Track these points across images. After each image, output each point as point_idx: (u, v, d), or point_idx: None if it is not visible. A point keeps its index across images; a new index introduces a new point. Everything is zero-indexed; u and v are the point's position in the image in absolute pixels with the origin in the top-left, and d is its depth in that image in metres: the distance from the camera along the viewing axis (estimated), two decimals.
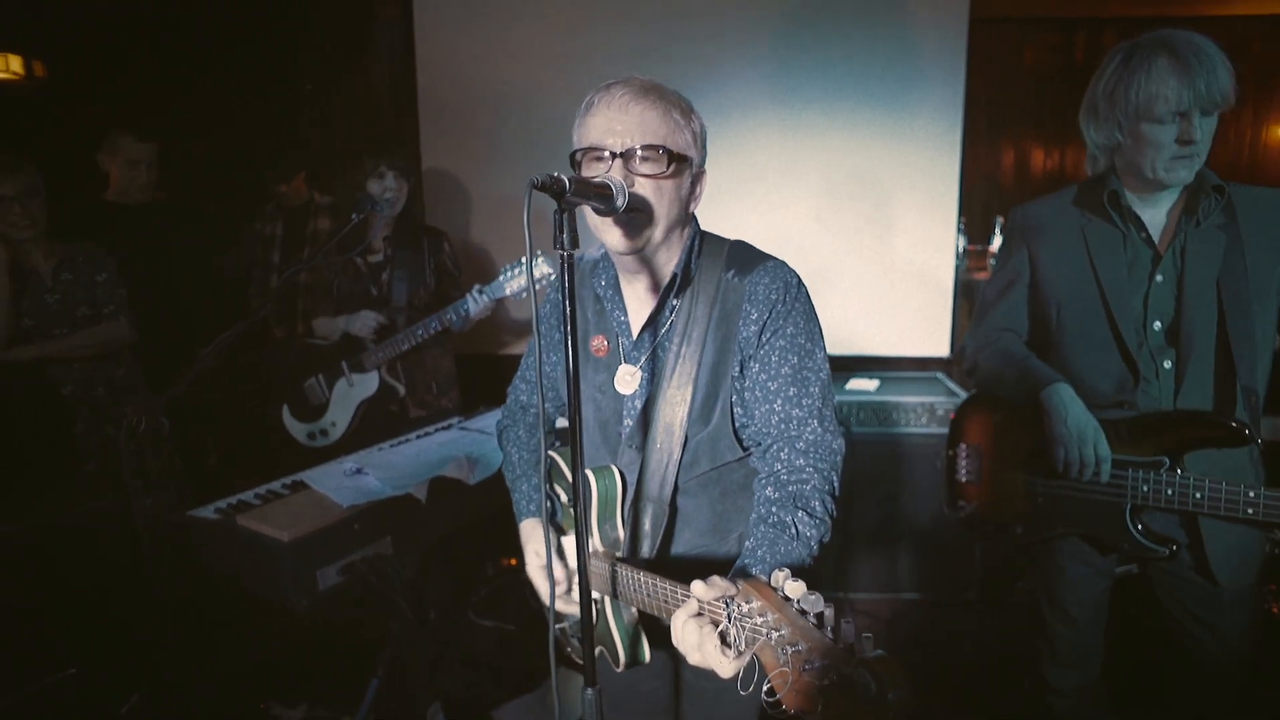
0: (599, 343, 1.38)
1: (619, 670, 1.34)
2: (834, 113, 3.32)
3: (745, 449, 1.32)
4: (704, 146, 1.26)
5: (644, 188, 1.18)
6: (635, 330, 1.34)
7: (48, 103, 3.55)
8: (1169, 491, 1.57)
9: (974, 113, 3.49)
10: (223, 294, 3.32)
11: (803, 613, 0.81)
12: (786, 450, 1.24)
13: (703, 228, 1.36)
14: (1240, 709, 1.68)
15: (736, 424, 1.30)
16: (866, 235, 3.41)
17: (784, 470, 1.23)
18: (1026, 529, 1.81)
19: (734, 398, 1.28)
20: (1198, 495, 1.53)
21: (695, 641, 0.98)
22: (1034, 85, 4.10)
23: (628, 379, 1.34)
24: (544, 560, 1.34)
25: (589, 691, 1.13)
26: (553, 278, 2.47)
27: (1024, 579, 3.13)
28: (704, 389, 1.28)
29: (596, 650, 1.40)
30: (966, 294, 3.69)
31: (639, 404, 1.33)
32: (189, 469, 2.99)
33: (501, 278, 2.53)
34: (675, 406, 1.28)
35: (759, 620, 0.82)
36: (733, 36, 3.28)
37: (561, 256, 0.99)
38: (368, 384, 2.73)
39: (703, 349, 1.27)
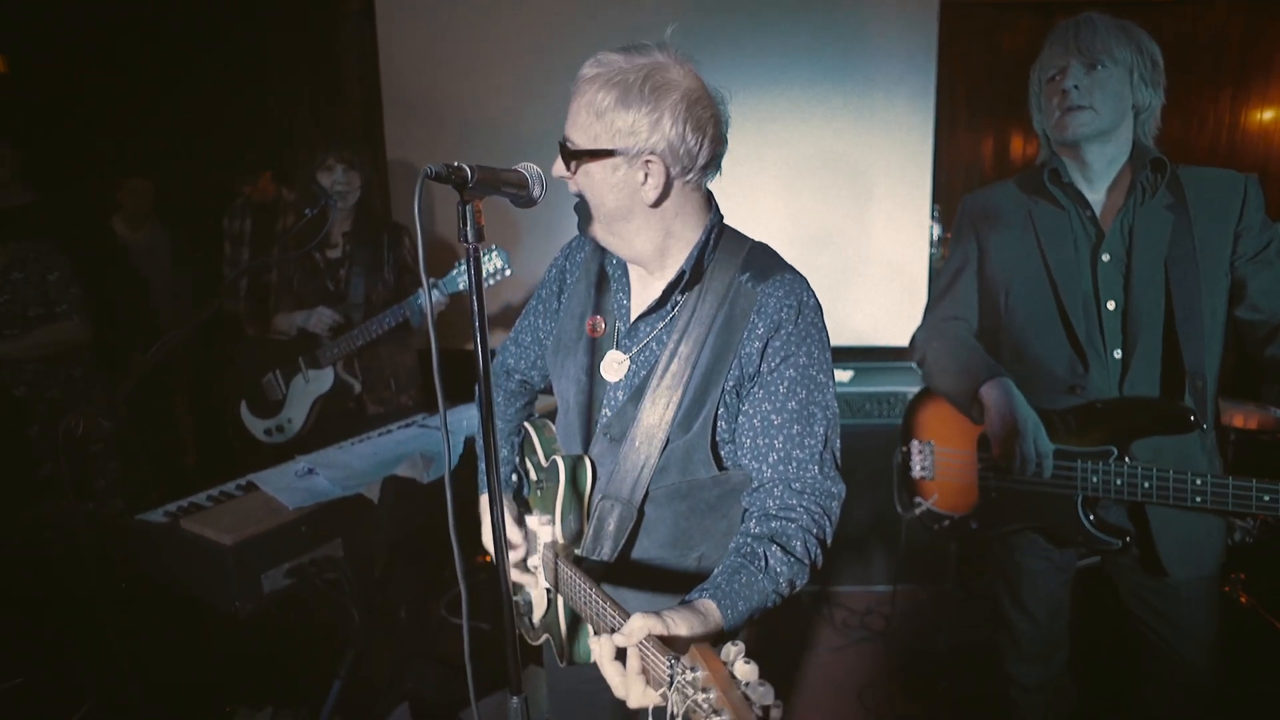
0: (595, 322, 1.32)
1: (561, 665, 1.30)
2: (804, 100, 3.28)
3: (721, 467, 1.25)
4: (655, 129, 1.10)
5: (573, 181, 1.17)
6: (633, 317, 1.28)
7: (12, 102, 3.50)
8: (1118, 481, 1.55)
9: (952, 100, 3.46)
10: (191, 292, 3.28)
11: (747, 699, 0.72)
12: (780, 489, 1.16)
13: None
14: (1214, 705, 1.65)
15: (717, 439, 1.23)
16: (838, 223, 3.37)
17: (774, 506, 1.16)
18: (981, 524, 1.79)
19: (720, 410, 1.20)
20: (1146, 485, 1.51)
21: (617, 681, 0.90)
22: (1013, 71, 4.06)
23: (615, 366, 1.28)
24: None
25: (514, 700, 1.09)
26: (507, 273, 2.42)
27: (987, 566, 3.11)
28: (693, 394, 1.20)
29: (543, 638, 1.38)
30: (937, 276, 3.66)
31: (621, 395, 1.27)
32: (161, 470, 2.96)
33: (454, 272, 2.48)
34: (661, 408, 1.21)
35: (700, 696, 0.74)
36: (699, 23, 3.23)
37: (466, 250, 0.95)
38: (323, 380, 2.69)
39: (700, 351, 1.20)
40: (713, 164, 1.19)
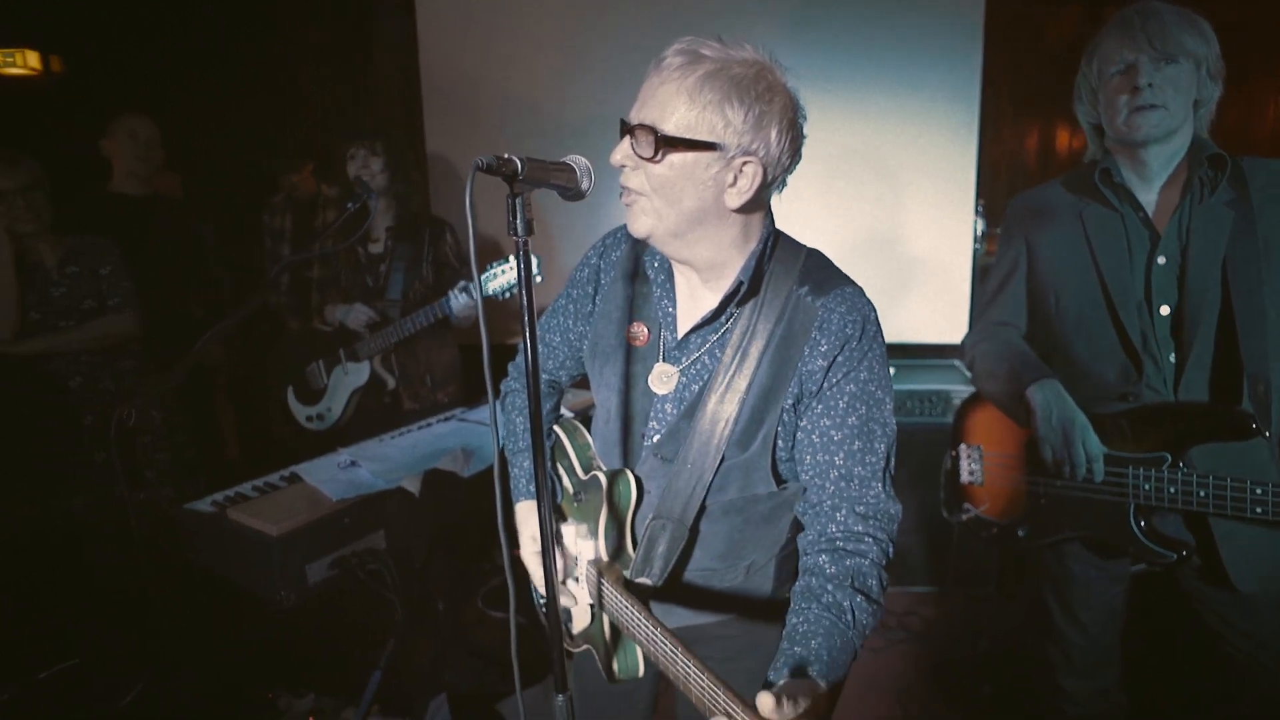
0: (637, 330, 1.25)
1: (611, 683, 1.27)
2: (847, 94, 3.22)
3: (781, 483, 1.22)
4: (758, 131, 1.05)
5: (636, 172, 1.09)
6: (682, 329, 1.22)
7: (51, 96, 3.59)
8: (1171, 489, 1.48)
9: (995, 93, 3.38)
10: (233, 287, 3.34)
11: None
12: (845, 511, 1.12)
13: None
14: None
15: (777, 456, 1.19)
16: (879, 219, 3.32)
17: (840, 535, 1.11)
18: (1031, 532, 1.73)
19: (779, 429, 1.16)
20: (1201, 493, 1.44)
21: None
22: (1059, 63, 3.95)
23: (664, 379, 1.22)
24: (540, 546, 1.30)
25: (559, 698, 1.08)
26: (538, 280, 2.41)
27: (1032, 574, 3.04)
28: (750, 412, 1.15)
29: (582, 647, 1.36)
30: (985, 279, 3.58)
31: (671, 409, 1.22)
32: (206, 460, 3.02)
33: (485, 274, 2.48)
34: (717, 425, 1.15)
35: None
36: (741, 18, 3.20)
37: (517, 244, 0.94)
38: (360, 373, 2.73)
39: (757, 367, 1.14)
40: (789, 175, 1.15)
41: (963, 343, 1.88)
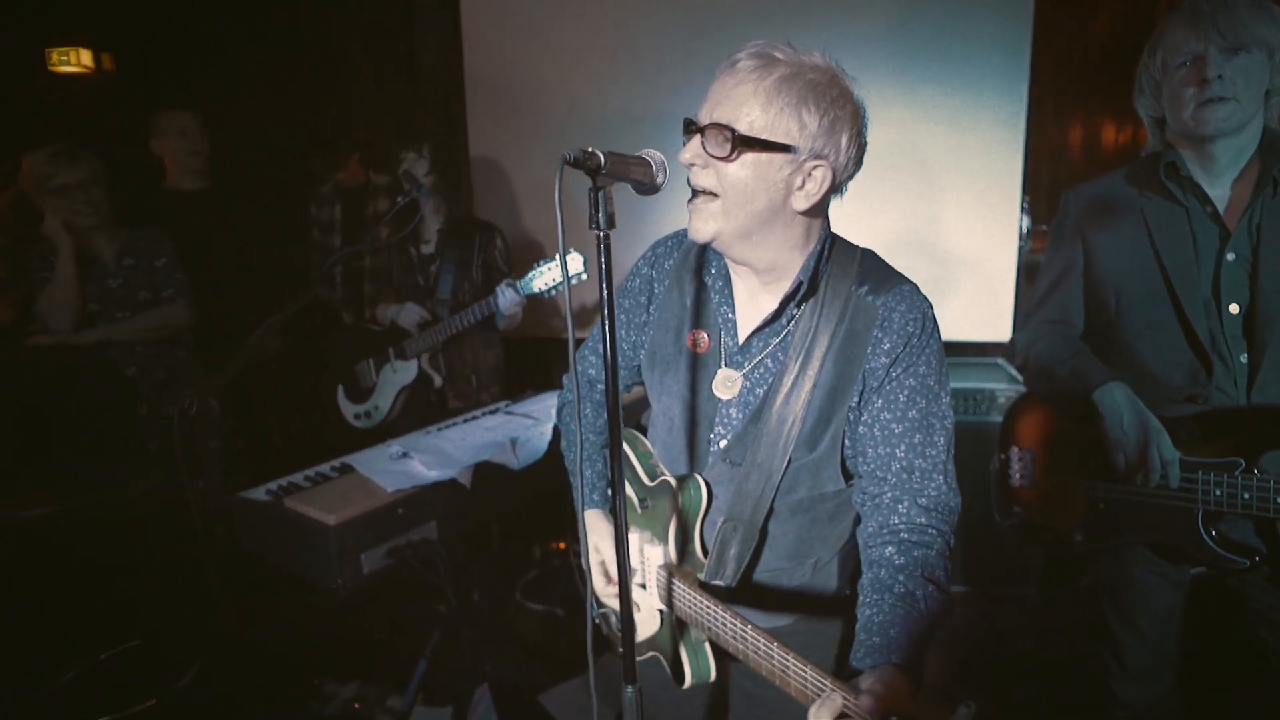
0: (699, 337, 1.26)
1: (683, 688, 1.28)
2: (890, 89, 3.19)
3: (849, 480, 1.23)
4: (830, 136, 1.07)
5: (707, 171, 1.09)
6: (743, 333, 1.23)
7: (108, 93, 3.66)
8: (1245, 495, 1.43)
9: (1040, 86, 3.32)
10: (281, 278, 3.39)
11: None
12: (907, 504, 1.13)
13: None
14: None
15: (845, 454, 1.21)
16: (923, 215, 3.28)
17: (904, 528, 1.12)
18: (1088, 537, 1.68)
19: (845, 427, 1.18)
20: (1279, 500, 1.40)
21: None
22: (1105, 56, 3.87)
23: (728, 384, 1.23)
24: (603, 553, 1.31)
25: (629, 689, 1.09)
26: (584, 277, 2.43)
27: (1087, 576, 2.99)
28: (817, 412, 1.17)
29: (647, 655, 1.36)
30: (1030, 276, 3.52)
31: (736, 413, 1.23)
32: (250, 450, 3.07)
33: (531, 273, 2.50)
34: (784, 426, 1.17)
35: None
36: (785, 15, 3.17)
37: (598, 238, 0.95)
38: (408, 371, 2.78)
39: (821, 368, 1.16)
40: (850, 180, 1.16)
41: (1013, 341, 1.84)
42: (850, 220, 1.22)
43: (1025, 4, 3.10)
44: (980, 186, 3.27)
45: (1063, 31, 3.96)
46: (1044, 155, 4.26)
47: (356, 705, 2.43)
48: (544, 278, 2.45)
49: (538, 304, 2.74)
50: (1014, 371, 3.29)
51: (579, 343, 1.59)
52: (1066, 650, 2.69)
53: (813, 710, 0.90)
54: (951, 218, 3.29)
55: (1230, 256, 1.48)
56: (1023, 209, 3.36)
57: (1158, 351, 1.57)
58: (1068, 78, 4.08)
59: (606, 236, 0.95)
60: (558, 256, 2.49)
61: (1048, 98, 4.18)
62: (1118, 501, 1.62)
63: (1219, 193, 1.51)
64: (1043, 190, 3.87)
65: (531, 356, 3.53)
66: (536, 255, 3.51)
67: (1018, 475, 1.84)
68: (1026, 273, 3.47)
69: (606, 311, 0.97)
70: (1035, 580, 3.07)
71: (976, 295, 3.30)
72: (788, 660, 0.97)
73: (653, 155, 1.04)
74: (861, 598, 1.10)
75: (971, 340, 3.38)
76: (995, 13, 3.12)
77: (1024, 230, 3.39)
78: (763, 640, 1.02)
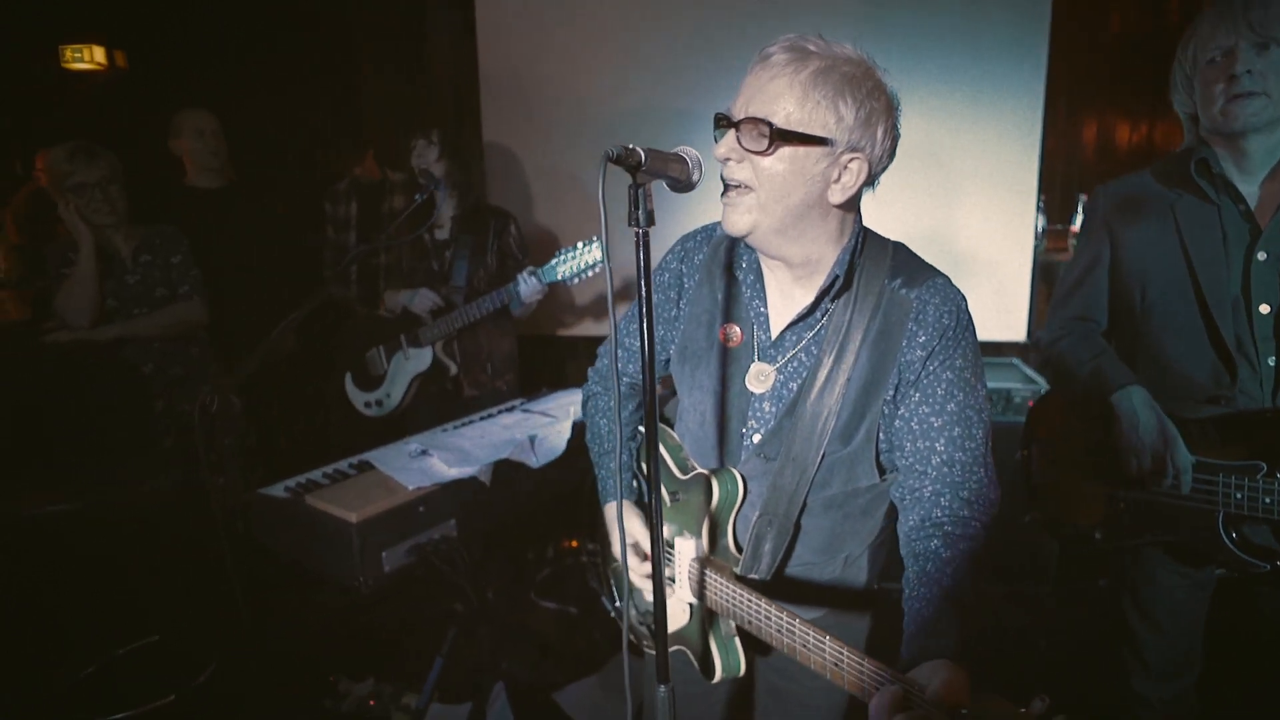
0: (731, 331, 1.26)
1: (713, 681, 1.28)
2: (905, 87, 3.18)
3: (883, 474, 1.23)
4: (866, 129, 1.07)
5: (743, 165, 1.09)
6: (776, 327, 1.23)
7: (125, 91, 3.67)
8: (1267, 499, 1.42)
9: (1054, 83, 3.31)
10: (295, 275, 3.39)
11: None
12: (949, 497, 1.13)
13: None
14: None
15: (879, 448, 1.21)
16: (939, 214, 3.28)
17: (948, 521, 1.12)
18: (1108, 536, 1.67)
19: (880, 421, 1.18)
20: None
21: None
22: (1120, 53, 3.85)
23: (761, 379, 1.23)
24: (630, 541, 1.30)
25: (662, 689, 1.08)
26: (598, 268, 2.43)
27: (1102, 576, 2.98)
28: (851, 406, 1.16)
29: (674, 648, 1.36)
30: (1045, 275, 3.51)
31: (770, 407, 1.23)
32: (261, 447, 3.07)
33: (554, 261, 2.50)
34: (818, 420, 1.16)
35: None
36: (803, 12, 3.15)
37: (637, 235, 0.94)
38: (421, 359, 2.76)
39: (856, 361, 1.15)
40: (883, 172, 1.16)
41: (1037, 338, 1.84)
42: (866, 219, 1.22)
43: (1042, 3, 3.09)
44: (996, 186, 3.26)
45: (1076, 30, 3.94)
46: (1057, 155, 4.24)
47: (371, 702, 2.44)
48: (566, 266, 2.45)
49: (549, 299, 2.74)
50: (1029, 371, 3.28)
51: (604, 339, 1.60)
52: (1082, 649, 2.68)
53: (874, 701, 0.90)
54: (967, 217, 3.28)
55: (1261, 256, 1.47)
56: (1038, 209, 3.35)
57: (1181, 349, 1.57)
58: (1080, 77, 4.06)
59: (646, 234, 0.95)
60: (580, 244, 2.48)
61: (1060, 97, 4.17)
62: (1138, 502, 1.62)
63: (1251, 190, 1.50)
64: (1056, 189, 3.86)
65: (541, 353, 3.53)
66: (548, 243, 3.51)
67: (1039, 473, 1.84)
68: (1042, 272, 3.47)
69: (645, 309, 0.96)
70: (1050, 579, 3.06)
71: (992, 295, 3.29)
72: (841, 653, 0.97)
73: (688, 152, 1.03)
74: (908, 591, 1.09)
75: (987, 340, 3.36)
76: (1011, 12, 3.12)
77: (1039, 230, 3.38)
78: (813, 633, 1.02)
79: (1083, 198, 3.56)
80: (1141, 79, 3.74)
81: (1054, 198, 3.78)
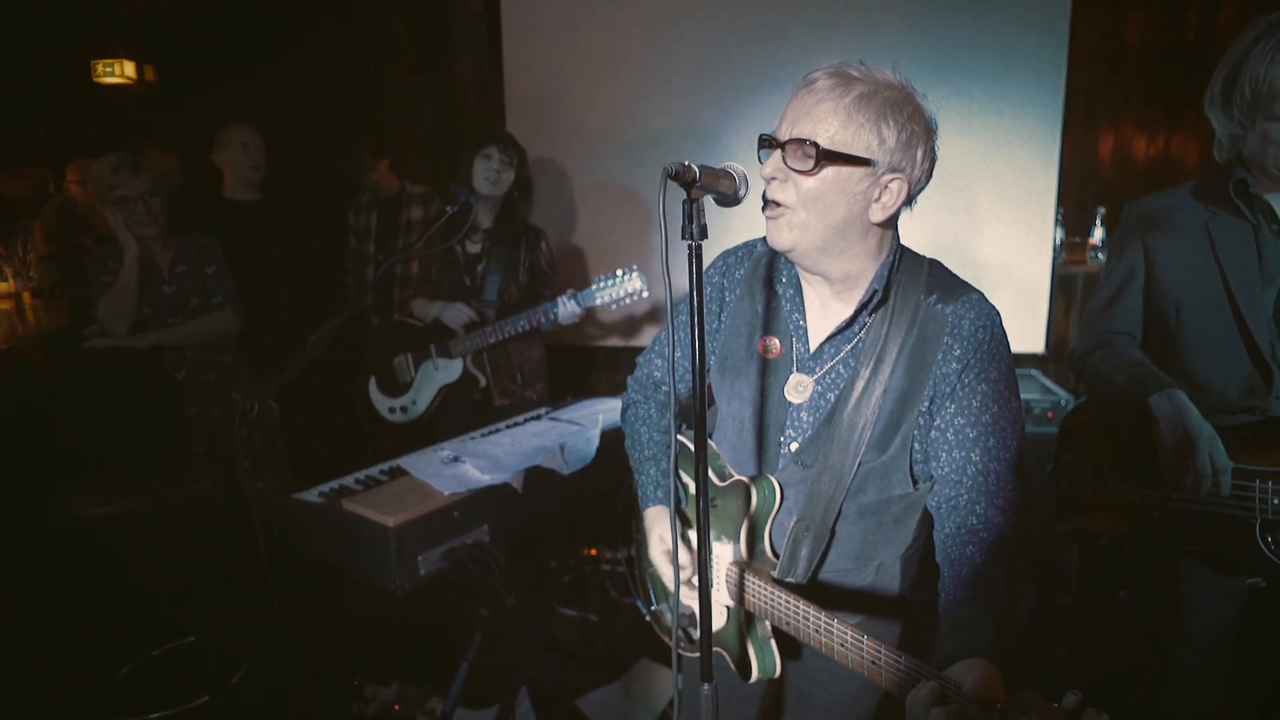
0: (770, 343, 1.31)
1: (750, 681, 1.32)
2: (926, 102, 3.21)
3: (916, 484, 1.27)
4: (907, 151, 1.12)
5: (786, 185, 1.13)
6: (815, 340, 1.27)
7: (160, 108, 3.75)
8: None
9: (1071, 97, 3.34)
10: (324, 284, 3.45)
11: None
12: (984, 505, 1.17)
13: None
14: None
15: (913, 458, 1.25)
16: (958, 227, 3.30)
17: (983, 528, 1.15)
18: (1141, 545, 1.68)
19: (915, 431, 1.22)
20: None
21: None
22: (1137, 67, 3.88)
23: (800, 389, 1.28)
24: (669, 545, 1.34)
25: (705, 688, 1.11)
26: (644, 294, 2.47)
27: (1127, 588, 2.98)
28: (887, 417, 1.20)
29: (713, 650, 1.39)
30: (1064, 287, 3.54)
31: (808, 417, 1.27)
32: (289, 452, 3.12)
33: (594, 287, 2.54)
34: (855, 430, 1.21)
35: None
36: (822, 27, 3.20)
37: (690, 248, 0.98)
38: (451, 370, 2.79)
39: (892, 373, 1.20)
40: (921, 192, 1.20)
41: (1070, 351, 1.85)
42: None
43: (1061, 17, 3.13)
44: (1014, 199, 3.29)
45: (1095, 43, 3.97)
46: (1074, 167, 4.27)
47: (397, 707, 2.46)
48: (606, 293, 2.51)
49: (589, 315, 2.78)
50: (1048, 383, 3.29)
51: (640, 350, 1.64)
52: (1105, 662, 2.68)
53: (911, 695, 0.93)
54: (986, 230, 3.31)
55: None
56: (1057, 221, 3.37)
57: (1216, 364, 1.58)
58: (1099, 89, 4.08)
59: (699, 247, 0.99)
60: (620, 272, 2.54)
61: (1079, 110, 4.19)
62: (1173, 510, 1.62)
63: None
64: (1072, 202, 3.88)
65: (564, 363, 3.56)
66: (575, 261, 3.55)
67: (1071, 483, 1.85)
68: (1061, 285, 3.48)
69: (696, 319, 1.00)
70: (1072, 591, 3.06)
71: (1011, 307, 3.28)
72: (879, 650, 1.01)
73: (735, 169, 1.08)
74: (944, 595, 1.13)
75: None
76: (1031, 28, 3.15)
77: (1058, 242, 3.40)
78: (851, 632, 1.07)
79: (1101, 210, 3.58)
80: (1159, 92, 3.77)
81: (1070, 210, 3.81)
